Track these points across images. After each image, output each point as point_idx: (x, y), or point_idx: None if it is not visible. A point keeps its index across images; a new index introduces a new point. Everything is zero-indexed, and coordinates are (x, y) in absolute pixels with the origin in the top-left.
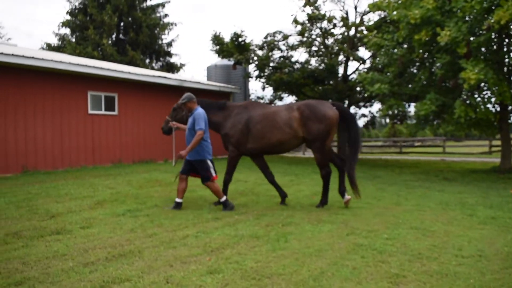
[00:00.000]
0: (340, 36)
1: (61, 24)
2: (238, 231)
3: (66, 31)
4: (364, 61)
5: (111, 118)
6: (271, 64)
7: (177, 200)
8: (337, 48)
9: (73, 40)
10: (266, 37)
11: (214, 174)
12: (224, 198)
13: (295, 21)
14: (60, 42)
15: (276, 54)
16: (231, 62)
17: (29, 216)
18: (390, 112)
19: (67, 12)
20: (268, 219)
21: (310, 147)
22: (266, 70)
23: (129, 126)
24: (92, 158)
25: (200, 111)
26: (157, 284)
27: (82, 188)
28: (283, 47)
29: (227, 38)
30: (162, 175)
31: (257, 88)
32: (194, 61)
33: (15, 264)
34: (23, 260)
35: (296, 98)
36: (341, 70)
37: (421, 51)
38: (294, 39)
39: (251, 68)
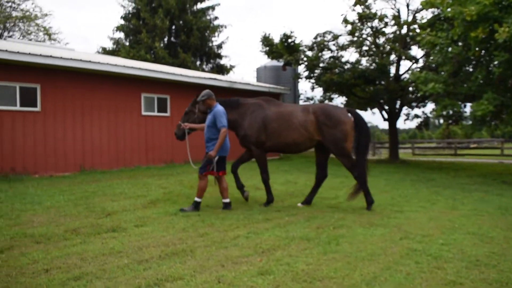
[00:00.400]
0: (391, 35)
1: (115, 29)
2: (289, 232)
3: (120, 35)
4: (417, 60)
5: (164, 119)
6: (321, 65)
7: (224, 200)
8: (388, 47)
9: (127, 43)
10: (315, 38)
11: (211, 170)
12: (199, 200)
13: (345, 21)
14: (114, 46)
15: (326, 54)
16: (281, 63)
17: (86, 214)
18: (444, 113)
19: (121, 17)
20: (318, 221)
21: (330, 151)
22: (316, 71)
23: None
24: (145, 158)
25: (220, 108)
26: (209, 284)
27: (136, 187)
28: (333, 47)
29: (276, 39)
30: None
31: (307, 89)
32: (244, 63)
33: (74, 260)
34: (81, 256)
35: (346, 99)
36: (393, 69)
37: (477, 49)
38: (344, 39)
39: (301, 69)
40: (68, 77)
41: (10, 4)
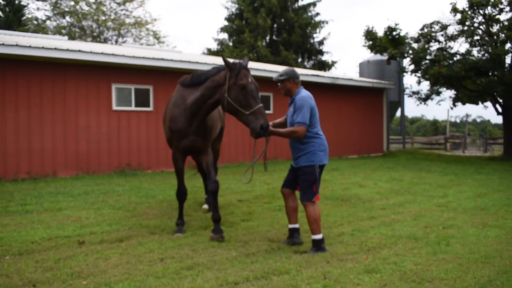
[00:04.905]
0: (507, 22)
1: (219, 30)
2: (395, 231)
3: (224, 36)
4: None
5: (268, 116)
6: (428, 57)
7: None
8: (503, 35)
9: (231, 44)
10: (422, 29)
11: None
12: (320, 236)
13: (454, 9)
14: (219, 47)
15: (434, 46)
16: (385, 57)
17: (195, 208)
18: None
19: (225, 18)
20: (426, 220)
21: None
22: (422, 64)
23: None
24: (249, 155)
25: (303, 94)
26: (314, 279)
27: (240, 183)
28: (441, 38)
29: (380, 33)
30: None
31: (412, 83)
32: (346, 58)
33: (186, 250)
34: (193, 247)
35: (455, 93)
36: (508, 59)
37: None
38: (453, 29)
39: (406, 62)
40: (178, 77)
41: (123, 12)
